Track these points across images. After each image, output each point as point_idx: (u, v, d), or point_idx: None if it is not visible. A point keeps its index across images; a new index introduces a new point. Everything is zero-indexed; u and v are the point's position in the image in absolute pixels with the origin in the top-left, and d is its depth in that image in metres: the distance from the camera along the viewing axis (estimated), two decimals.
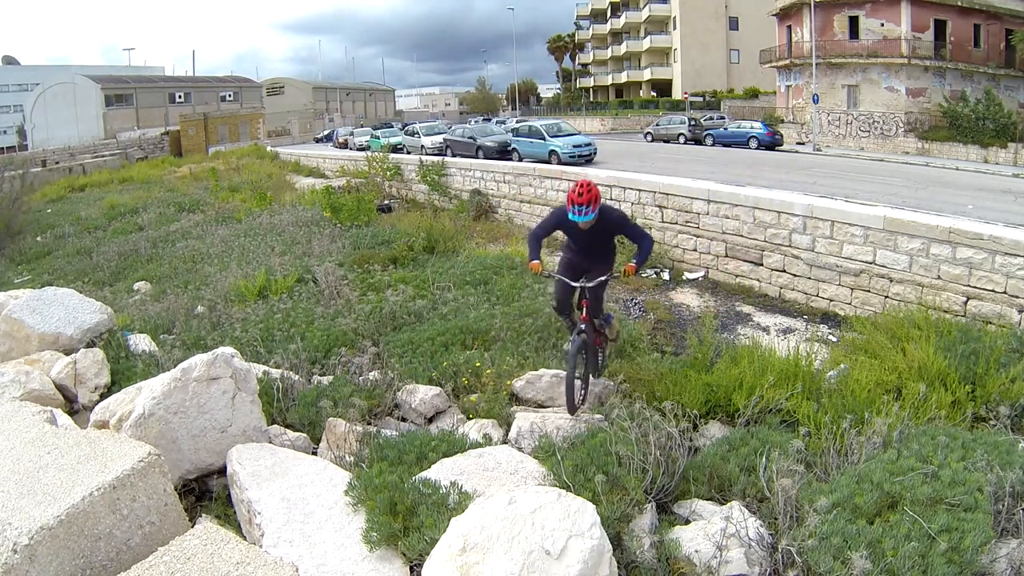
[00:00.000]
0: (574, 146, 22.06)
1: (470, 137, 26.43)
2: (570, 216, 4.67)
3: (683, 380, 5.07)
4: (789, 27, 36.19)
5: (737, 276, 12.62)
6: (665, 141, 34.82)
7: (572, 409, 4.72)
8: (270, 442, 3.97)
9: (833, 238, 10.94)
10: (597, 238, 5.00)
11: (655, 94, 60.46)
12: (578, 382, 4.89)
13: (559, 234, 5.31)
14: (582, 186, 4.64)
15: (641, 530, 2.98)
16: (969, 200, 13.69)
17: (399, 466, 3.46)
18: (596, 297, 5.11)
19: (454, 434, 4.10)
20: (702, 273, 13.28)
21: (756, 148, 29.62)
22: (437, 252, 12.24)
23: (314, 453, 4.09)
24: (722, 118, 38.41)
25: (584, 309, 4.94)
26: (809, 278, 11.33)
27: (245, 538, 3.06)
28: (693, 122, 35.02)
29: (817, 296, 11.23)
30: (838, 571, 2.49)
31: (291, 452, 3.71)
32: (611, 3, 66.92)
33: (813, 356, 5.35)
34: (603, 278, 4.94)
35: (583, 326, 4.92)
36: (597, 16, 70.81)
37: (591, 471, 3.25)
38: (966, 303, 9.12)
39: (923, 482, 2.92)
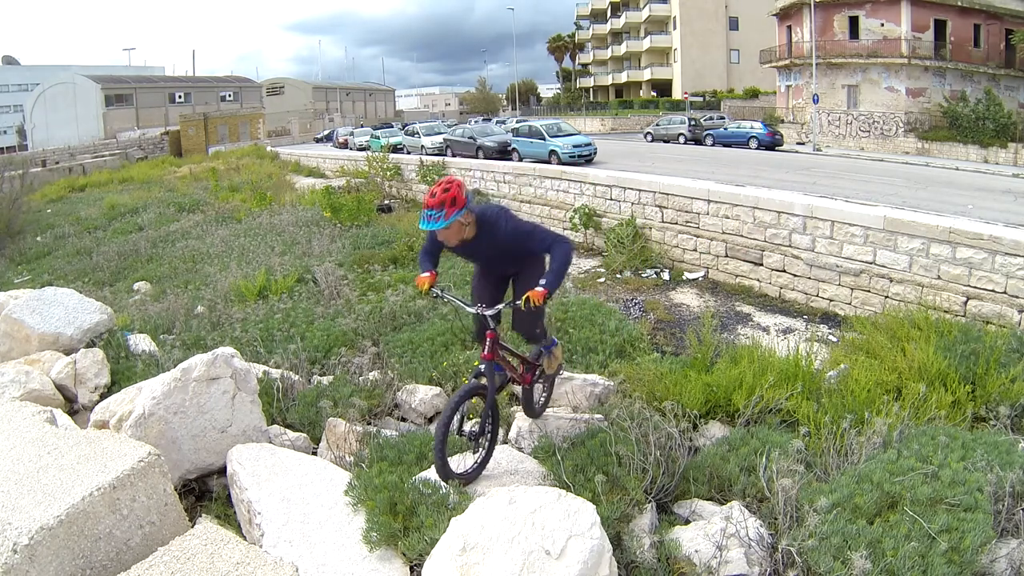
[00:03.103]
0: (574, 146, 22.06)
1: (470, 137, 26.43)
2: (420, 225, 3.52)
3: (683, 380, 5.05)
4: (789, 27, 36.17)
5: (737, 276, 12.62)
6: (665, 141, 34.80)
7: (444, 473, 3.30)
8: (270, 442, 3.97)
9: (833, 238, 10.94)
10: (495, 258, 3.77)
11: (655, 94, 60.45)
12: (459, 439, 3.62)
13: None
14: (439, 184, 3.45)
15: (641, 530, 2.98)
16: (969, 200, 13.68)
17: (399, 466, 3.46)
18: (527, 322, 3.84)
19: (454, 434, 4.10)
20: (702, 273, 13.28)
21: (756, 148, 29.60)
22: None
23: (314, 453, 4.09)
24: (722, 118, 38.37)
25: (487, 344, 3.61)
26: (809, 278, 11.33)
27: (245, 538, 3.06)
28: (693, 122, 35.00)
29: (817, 296, 11.23)
30: (838, 571, 2.49)
31: (291, 452, 3.71)
32: (611, 3, 66.91)
33: (813, 356, 5.34)
34: (500, 307, 3.65)
35: (483, 366, 3.60)
36: (597, 16, 70.80)
37: (591, 471, 3.25)
38: (966, 303, 9.12)
39: (923, 482, 2.92)
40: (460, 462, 3.50)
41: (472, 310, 3.70)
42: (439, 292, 3.73)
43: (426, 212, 3.41)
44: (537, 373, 4.23)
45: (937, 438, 3.39)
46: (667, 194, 14.26)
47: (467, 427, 3.67)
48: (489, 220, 3.57)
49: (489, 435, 3.61)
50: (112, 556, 2.64)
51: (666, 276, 13.38)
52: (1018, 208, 12.84)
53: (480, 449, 3.61)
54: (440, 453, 3.28)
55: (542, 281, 3.46)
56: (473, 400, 3.82)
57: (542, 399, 4.54)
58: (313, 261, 11.69)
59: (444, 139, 27.60)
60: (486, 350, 3.62)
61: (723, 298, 12.02)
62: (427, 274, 3.70)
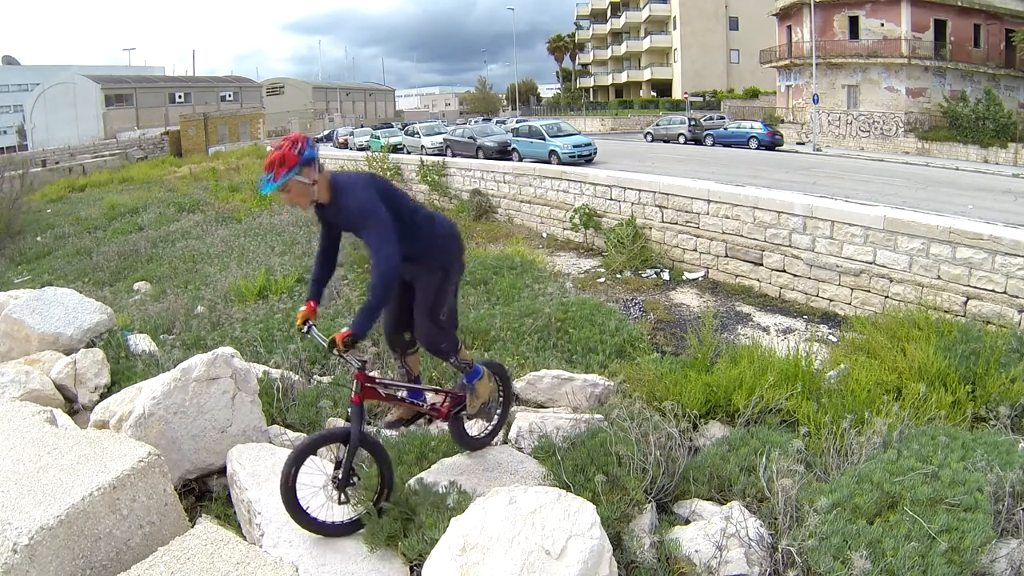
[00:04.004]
0: (574, 146, 22.05)
1: (470, 137, 26.43)
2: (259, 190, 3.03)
3: (683, 380, 5.05)
4: (789, 27, 36.17)
5: (737, 276, 12.62)
6: (665, 141, 34.80)
7: (303, 523, 2.93)
8: (270, 442, 3.97)
9: (833, 238, 10.94)
10: (353, 233, 3.18)
11: (655, 94, 60.45)
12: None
13: None
14: (279, 144, 2.96)
15: (641, 530, 2.98)
16: (969, 200, 13.68)
17: (399, 466, 3.46)
18: (423, 330, 3.33)
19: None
20: (702, 273, 13.28)
21: (756, 148, 29.59)
22: None
23: (314, 453, 4.09)
24: (722, 118, 38.36)
25: (355, 385, 3.04)
26: (809, 278, 11.33)
27: (245, 538, 3.06)
28: (693, 122, 34.99)
29: (817, 296, 11.23)
30: (838, 571, 2.49)
31: None
32: (611, 3, 66.91)
33: (813, 356, 5.34)
34: (340, 351, 2.86)
35: (351, 409, 3.04)
36: (597, 16, 70.80)
37: (591, 471, 3.25)
38: (966, 303, 9.12)
39: (923, 482, 2.92)
40: (327, 511, 2.99)
41: (325, 344, 2.93)
42: (306, 329, 3.16)
43: (261, 176, 2.97)
44: (458, 407, 3.58)
45: (937, 438, 3.39)
46: (667, 194, 14.26)
47: (332, 470, 3.07)
48: (340, 186, 3.02)
49: (376, 488, 3.05)
50: (112, 556, 2.65)
51: (666, 276, 13.39)
52: (1018, 208, 12.83)
53: (347, 500, 3.03)
54: (292, 509, 2.86)
55: (351, 320, 2.80)
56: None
57: (485, 432, 3.86)
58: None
59: (444, 139, 27.60)
60: (356, 392, 3.03)
61: (723, 298, 12.03)
62: (305, 307, 3.19)
